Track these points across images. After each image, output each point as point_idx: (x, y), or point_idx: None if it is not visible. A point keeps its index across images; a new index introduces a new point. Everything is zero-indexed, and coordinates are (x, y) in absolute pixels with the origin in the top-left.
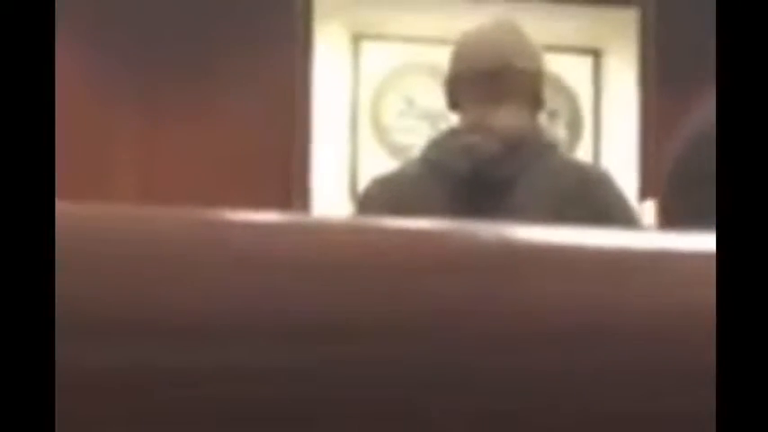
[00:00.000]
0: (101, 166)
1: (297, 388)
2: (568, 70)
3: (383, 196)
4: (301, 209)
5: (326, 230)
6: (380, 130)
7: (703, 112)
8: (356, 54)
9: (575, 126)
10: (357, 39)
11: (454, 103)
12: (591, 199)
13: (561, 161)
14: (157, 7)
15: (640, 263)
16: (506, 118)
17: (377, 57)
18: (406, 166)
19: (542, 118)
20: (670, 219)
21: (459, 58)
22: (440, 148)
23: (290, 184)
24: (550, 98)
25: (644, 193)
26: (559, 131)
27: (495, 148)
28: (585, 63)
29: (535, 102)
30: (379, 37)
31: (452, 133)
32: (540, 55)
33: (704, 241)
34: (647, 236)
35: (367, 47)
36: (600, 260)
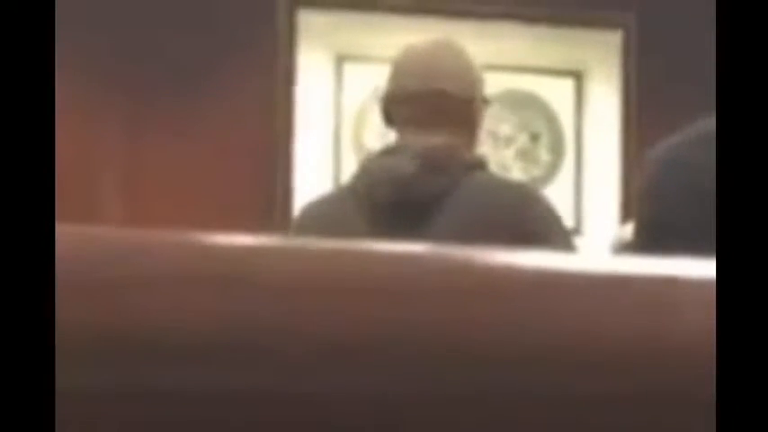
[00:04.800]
0: (85, 186)
1: (292, 410)
2: (550, 92)
3: (312, 221)
4: (284, 231)
5: (308, 254)
6: (363, 152)
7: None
8: (339, 75)
9: (556, 148)
10: (340, 60)
11: (389, 120)
12: (519, 218)
13: (487, 180)
14: (141, 29)
15: (598, 286)
16: (432, 139)
17: (360, 78)
18: (335, 192)
19: (521, 139)
20: (646, 233)
21: (394, 77)
22: (364, 171)
23: (272, 204)
24: (532, 120)
25: (626, 215)
26: (541, 154)
27: (412, 170)
28: (567, 85)
29: (468, 127)
30: (363, 58)
31: (377, 155)
32: (477, 79)
33: (678, 266)
34: (606, 260)
35: (350, 68)
36: (574, 283)
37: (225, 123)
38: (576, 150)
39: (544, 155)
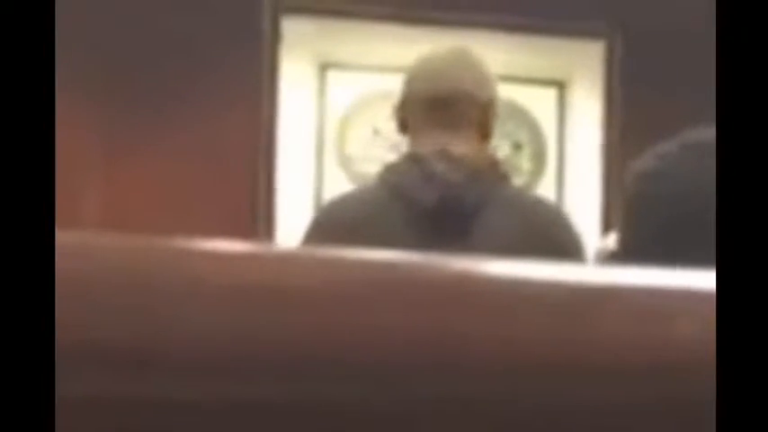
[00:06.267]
0: (64, 195)
1: (280, 420)
2: (533, 102)
3: (342, 219)
4: (266, 237)
5: (290, 261)
6: (346, 160)
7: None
8: (322, 83)
9: (539, 158)
10: (323, 68)
11: (404, 127)
12: (548, 230)
13: (516, 193)
14: (122, 35)
15: (611, 298)
16: (460, 146)
17: (343, 86)
18: (364, 190)
19: (503, 149)
20: (627, 246)
21: (411, 82)
22: (401, 173)
23: (255, 212)
24: (515, 130)
25: (607, 225)
26: (523, 163)
27: (459, 178)
28: (550, 95)
29: (483, 131)
30: (346, 66)
31: (412, 158)
32: (493, 85)
33: (675, 277)
34: (617, 271)
35: (333, 76)
36: (570, 294)
37: (207, 131)
38: (559, 160)
39: (526, 164)
